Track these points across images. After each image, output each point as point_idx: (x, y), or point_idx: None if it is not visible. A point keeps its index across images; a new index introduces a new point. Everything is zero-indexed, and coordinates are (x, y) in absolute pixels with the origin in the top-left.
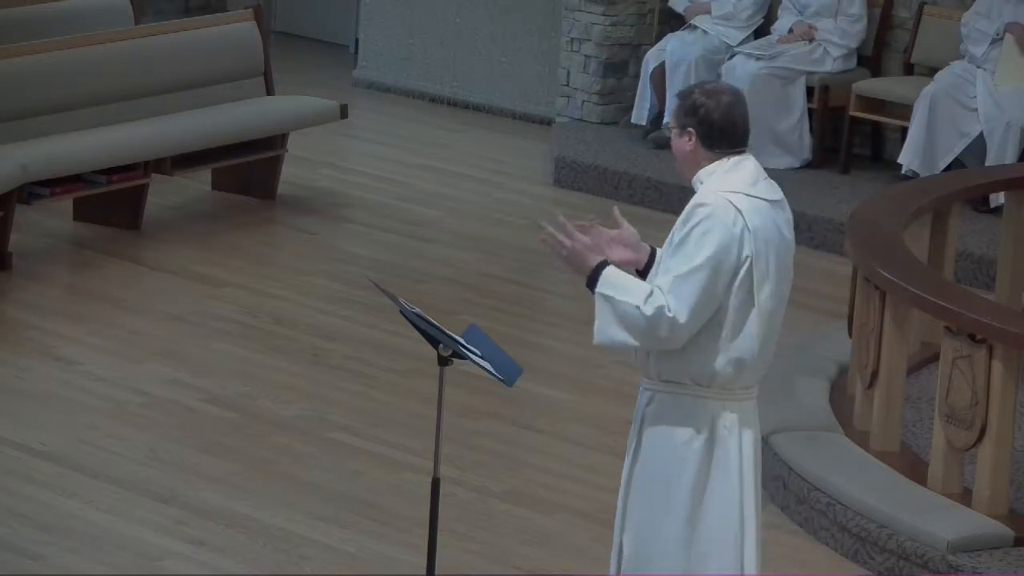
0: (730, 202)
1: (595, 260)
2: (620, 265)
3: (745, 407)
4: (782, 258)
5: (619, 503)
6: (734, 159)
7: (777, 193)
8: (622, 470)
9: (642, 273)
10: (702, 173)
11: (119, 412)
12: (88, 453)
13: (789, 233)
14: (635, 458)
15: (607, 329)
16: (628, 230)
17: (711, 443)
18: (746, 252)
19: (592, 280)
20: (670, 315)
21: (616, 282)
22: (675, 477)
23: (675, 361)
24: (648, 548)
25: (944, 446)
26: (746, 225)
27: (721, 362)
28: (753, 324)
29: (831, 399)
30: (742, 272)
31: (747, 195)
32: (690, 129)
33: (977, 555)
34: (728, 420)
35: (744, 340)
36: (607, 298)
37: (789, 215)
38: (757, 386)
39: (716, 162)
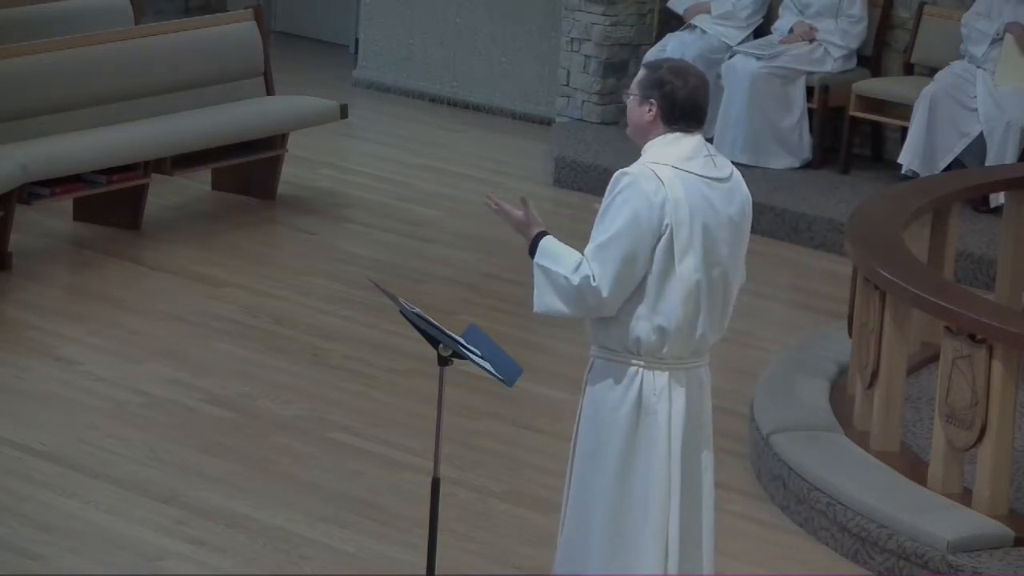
0: (653, 172)
1: (535, 230)
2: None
3: (679, 376)
4: (713, 232)
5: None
6: (677, 135)
7: (721, 172)
8: None
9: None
10: (648, 144)
11: (119, 412)
12: (88, 453)
13: (732, 211)
14: (578, 422)
15: (543, 297)
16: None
17: (638, 409)
18: (666, 220)
19: (532, 250)
20: (595, 284)
21: (551, 252)
22: (605, 440)
23: (606, 327)
24: (583, 507)
25: (944, 446)
26: (667, 195)
27: (644, 329)
28: (675, 293)
29: (831, 399)
30: (662, 240)
31: (675, 167)
32: (652, 101)
33: (977, 555)
34: (657, 388)
35: (667, 308)
36: (542, 268)
37: (738, 196)
38: (698, 359)
39: (661, 136)
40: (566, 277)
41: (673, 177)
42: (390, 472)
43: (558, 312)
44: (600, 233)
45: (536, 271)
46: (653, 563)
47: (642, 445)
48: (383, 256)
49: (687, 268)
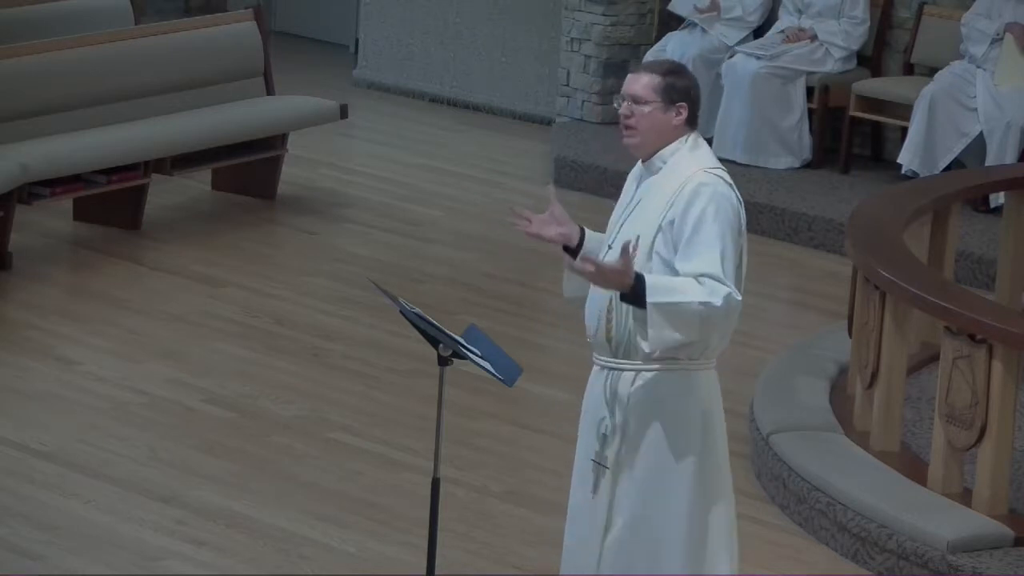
0: (720, 177)
1: (631, 275)
2: (555, 241)
3: (714, 375)
4: None
5: (592, 488)
6: (692, 136)
7: None
8: (584, 458)
9: (572, 251)
10: (666, 151)
11: (119, 412)
12: (88, 453)
13: None
14: (623, 440)
15: (663, 333)
16: (559, 208)
17: (706, 413)
18: (743, 220)
19: (637, 292)
20: (739, 298)
21: (665, 286)
22: (683, 452)
23: None
24: (653, 526)
25: (944, 446)
26: (738, 196)
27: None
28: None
29: (831, 399)
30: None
31: (721, 169)
32: (683, 105)
33: (977, 555)
34: (712, 387)
35: None
36: (664, 304)
37: None
38: None
39: (678, 140)
40: (702, 303)
41: (730, 179)
42: (390, 472)
43: (680, 341)
44: (709, 246)
45: (652, 311)
46: (729, 563)
47: (713, 449)
48: (383, 256)
49: (744, 264)
